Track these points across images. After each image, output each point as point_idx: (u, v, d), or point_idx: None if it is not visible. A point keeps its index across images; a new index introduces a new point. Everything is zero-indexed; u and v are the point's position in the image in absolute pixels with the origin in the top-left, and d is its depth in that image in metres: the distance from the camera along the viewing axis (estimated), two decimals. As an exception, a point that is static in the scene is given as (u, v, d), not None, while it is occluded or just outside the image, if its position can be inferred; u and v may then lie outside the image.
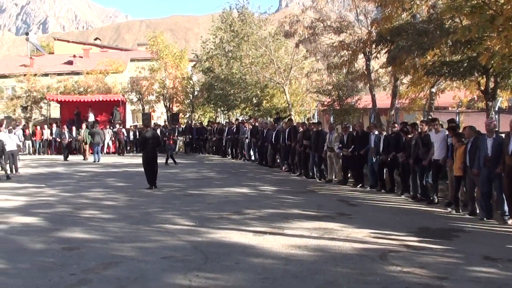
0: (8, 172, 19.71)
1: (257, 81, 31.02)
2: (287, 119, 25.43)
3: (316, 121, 22.89)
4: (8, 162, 20.51)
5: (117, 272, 7.33)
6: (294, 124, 21.22)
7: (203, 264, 7.64)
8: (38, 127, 34.05)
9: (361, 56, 21.87)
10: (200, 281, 6.87)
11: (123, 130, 32.16)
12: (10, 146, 20.78)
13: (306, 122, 24.67)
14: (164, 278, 7.05)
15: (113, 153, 31.76)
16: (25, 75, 42.36)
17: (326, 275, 7.13)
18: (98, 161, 26.49)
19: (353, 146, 16.73)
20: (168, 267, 7.53)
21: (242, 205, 12.82)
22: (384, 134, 15.57)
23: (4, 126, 22.50)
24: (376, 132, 15.91)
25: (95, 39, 78.09)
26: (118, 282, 6.88)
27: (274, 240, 9.04)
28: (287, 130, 20.55)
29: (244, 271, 7.29)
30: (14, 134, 22.92)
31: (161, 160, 18.13)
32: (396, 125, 15.83)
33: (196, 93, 40.87)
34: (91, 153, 27.94)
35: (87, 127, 28.95)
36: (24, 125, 36.76)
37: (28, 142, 32.85)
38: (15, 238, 9.62)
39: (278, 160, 22.36)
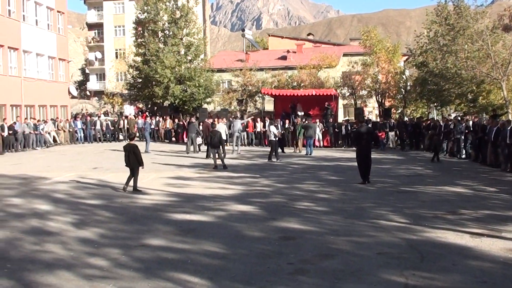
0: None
1: (473, 76, 29.78)
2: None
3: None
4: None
5: (333, 265, 7.56)
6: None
7: (419, 263, 7.61)
8: (250, 120, 35.69)
9: None
10: (417, 280, 6.86)
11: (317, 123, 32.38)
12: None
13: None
14: (380, 273, 7.12)
15: (325, 146, 32.36)
16: (241, 69, 44.85)
17: (548, 284, 6.81)
18: (310, 154, 27.17)
19: None
20: (384, 263, 7.60)
21: (457, 205, 12.44)
22: None
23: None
24: None
25: (308, 34, 79.98)
26: (334, 274, 7.10)
27: (491, 243, 8.73)
28: (509, 128, 19.38)
29: (461, 273, 7.16)
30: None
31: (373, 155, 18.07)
32: None
33: (408, 88, 40.25)
34: (303, 146, 28.81)
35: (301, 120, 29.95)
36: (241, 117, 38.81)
37: (243, 134, 34.58)
38: (234, 225, 10.34)
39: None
